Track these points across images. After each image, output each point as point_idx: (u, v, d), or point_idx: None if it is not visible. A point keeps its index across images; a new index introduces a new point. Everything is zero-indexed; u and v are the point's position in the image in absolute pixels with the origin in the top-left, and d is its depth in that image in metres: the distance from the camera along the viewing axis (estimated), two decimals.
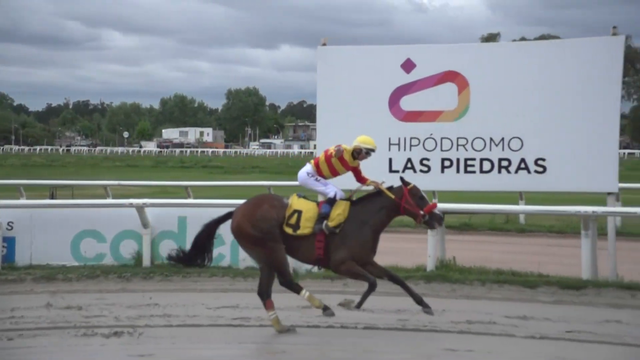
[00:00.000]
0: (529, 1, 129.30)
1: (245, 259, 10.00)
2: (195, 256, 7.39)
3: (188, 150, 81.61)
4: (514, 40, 38.26)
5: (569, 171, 9.27)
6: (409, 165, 9.91)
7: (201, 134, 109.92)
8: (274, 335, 6.87)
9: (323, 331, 7.03)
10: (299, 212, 6.87)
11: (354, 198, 7.26)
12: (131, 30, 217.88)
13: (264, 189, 18.01)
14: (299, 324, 7.12)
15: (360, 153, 7.07)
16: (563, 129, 9.29)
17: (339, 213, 6.85)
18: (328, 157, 7.14)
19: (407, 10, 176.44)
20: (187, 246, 10.08)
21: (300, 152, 77.36)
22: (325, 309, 6.83)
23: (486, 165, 9.67)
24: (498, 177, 9.62)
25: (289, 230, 6.85)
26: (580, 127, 9.23)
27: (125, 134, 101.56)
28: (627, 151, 56.17)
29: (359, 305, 6.80)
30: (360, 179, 7.27)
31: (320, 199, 7.56)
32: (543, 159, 9.43)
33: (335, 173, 7.20)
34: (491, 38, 60.70)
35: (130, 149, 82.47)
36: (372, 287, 6.79)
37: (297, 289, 6.93)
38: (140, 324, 7.26)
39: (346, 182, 7.39)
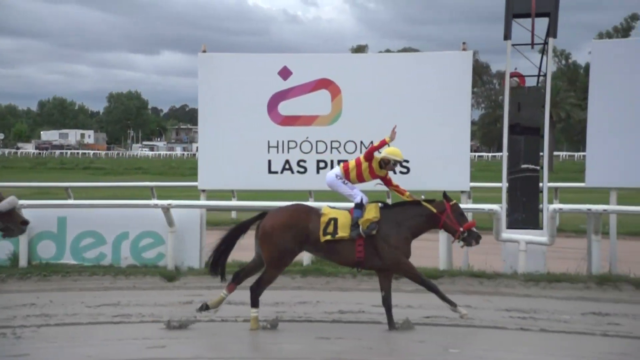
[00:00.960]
0: (392, 17, 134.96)
1: (127, 258, 9.67)
2: (217, 262, 6.99)
3: (68, 152, 77.18)
4: (380, 52, 39.51)
5: (429, 172, 9.69)
6: (287, 166, 9.98)
7: (82, 136, 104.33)
8: (154, 330, 6.67)
9: (204, 325, 6.89)
10: (335, 220, 6.74)
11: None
12: (4, 32, 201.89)
13: (147, 190, 17.45)
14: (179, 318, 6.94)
15: (387, 163, 7.05)
16: (423, 133, 9.70)
17: (372, 215, 6.76)
18: (358, 163, 7.08)
19: (282, 20, 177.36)
20: (67, 246, 9.67)
21: (183, 154, 75.63)
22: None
23: None
24: None
25: (327, 237, 6.69)
26: (438, 132, 9.69)
27: (0, 136, 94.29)
28: (477, 154, 59.58)
29: (454, 306, 6.72)
30: (393, 187, 7.25)
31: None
32: (407, 161, 9.76)
33: (361, 179, 7.13)
34: (360, 49, 62.23)
35: (7, 151, 76.67)
36: (435, 289, 6.82)
37: (255, 303, 6.72)
38: (15, 324, 6.78)
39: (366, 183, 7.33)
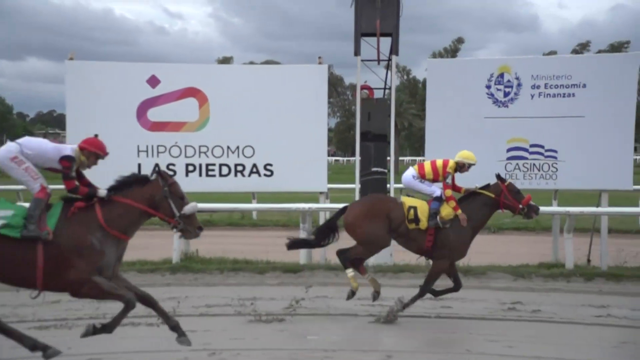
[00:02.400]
0: (253, 31, 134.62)
1: None
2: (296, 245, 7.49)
3: None
4: (245, 64, 39.32)
5: (291, 174, 9.83)
6: (156, 169, 9.64)
7: None
8: (27, 330, 6.12)
9: (72, 323, 6.50)
10: (415, 208, 6.85)
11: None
12: None
13: (12, 194, 16.06)
14: (47, 318, 6.46)
15: (463, 167, 7.13)
16: (285, 139, 9.83)
17: (450, 212, 6.83)
18: (435, 171, 7.13)
19: (150, 32, 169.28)
20: None
21: None
22: (375, 296, 6.99)
23: (224, 170, 9.84)
24: (235, 179, 9.86)
25: (412, 226, 6.84)
26: (298, 137, 9.84)
27: None
28: (333, 158, 61.40)
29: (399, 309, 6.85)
30: (454, 187, 7.26)
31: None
32: (271, 164, 9.88)
33: (436, 180, 7.19)
34: (226, 60, 61.41)
35: None
36: (418, 298, 6.97)
37: (346, 265, 7.00)
38: None
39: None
